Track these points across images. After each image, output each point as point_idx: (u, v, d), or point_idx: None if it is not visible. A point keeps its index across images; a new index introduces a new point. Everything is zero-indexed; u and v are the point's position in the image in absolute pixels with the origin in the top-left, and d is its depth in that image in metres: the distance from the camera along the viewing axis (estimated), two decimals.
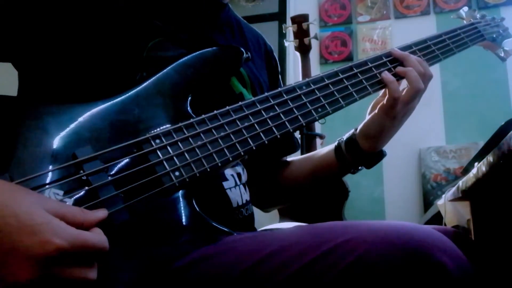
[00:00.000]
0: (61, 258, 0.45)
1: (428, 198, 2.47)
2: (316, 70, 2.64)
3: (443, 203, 1.26)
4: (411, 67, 0.85)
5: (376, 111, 0.86)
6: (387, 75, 0.84)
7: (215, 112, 0.68)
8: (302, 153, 2.13)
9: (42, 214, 0.46)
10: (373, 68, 0.85)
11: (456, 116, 2.58)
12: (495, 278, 0.86)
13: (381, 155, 0.90)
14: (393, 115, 0.84)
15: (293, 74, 2.83)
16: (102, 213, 0.53)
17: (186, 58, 0.73)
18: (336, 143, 0.93)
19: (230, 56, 0.77)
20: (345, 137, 0.92)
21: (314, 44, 2.28)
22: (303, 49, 2.16)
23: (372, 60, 0.86)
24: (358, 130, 0.89)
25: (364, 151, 0.88)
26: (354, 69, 0.83)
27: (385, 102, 0.84)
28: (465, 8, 1.16)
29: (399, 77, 0.85)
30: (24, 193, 0.48)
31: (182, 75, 0.71)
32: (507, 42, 1.16)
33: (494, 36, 1.12)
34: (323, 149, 0.96)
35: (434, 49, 0.94)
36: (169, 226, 0.62)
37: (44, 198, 0.50)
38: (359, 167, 0.92)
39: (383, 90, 0.86)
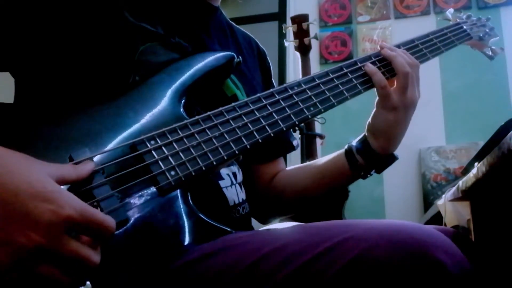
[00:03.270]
0: (70, 227, 0.46)
1: (428, 198, 2.47)
2: (316, 70, 2.63)
3: (443, 203, 1.26)
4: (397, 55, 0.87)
5: (374, 108, 0.87)
6: (369, 67, 0.86)
7: (209, 113, 0.69)
8: (302, 153, 2.13)
9: (52, 182, 0.48)
10: (362, 68, 0.86)
11: (456, 116, 2.58)
12: (495, 278, 0.85)
13: (392, 158, 0.89)
14: (391, 106, 0.84)
15: (293, 74, 2.83)
16: (89, 165, 0.55)
17: (178, 62, 0.75)
18: (346, 147, 0.91)
19: (222, 60, 0.79)
20: (355, 140, 0.91)
21: (314, 44, 2.28)
22: (303, 49, 2.16)
23: (361, 60, 0.88)
24: (366, 130, 0.89)
25: (375, 152, 0.87)
26: (344, 69, 0.85)
27: (377, 96, 0.85)
28: (451, 10, 1.20)
29: (389, 75, 0.87)
30: (30, 161, 0.50)
31: (175, 79, 0.72)
32: (494, 41, 1.19)
33: (481, 35, 1.15)
34: (328, 156, 0.94)
35: (421, 48, 0.96)
36: (167, 225, 0.62)
37: (44, 164, 0.51)
38: (370, 171, 0.90)
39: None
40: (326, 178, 0.93)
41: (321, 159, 0.96)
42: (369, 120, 0.88)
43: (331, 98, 0.80)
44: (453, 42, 1.04)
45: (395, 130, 0.86)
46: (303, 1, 3.00)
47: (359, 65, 0.87)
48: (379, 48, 0.91)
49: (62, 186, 0.50)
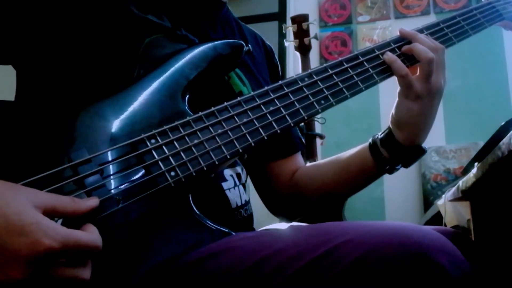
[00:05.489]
0: (52, 258, 0.45)
1: (428, 198, 2.47)
2: None
3: (443, 203, 1.26)
4: (418, 42, 0.81)
5: (397, 98, 0.82)
6: (388, 55, 0.80)
7: (212, 109, 0.66)
8: (302, 153, 2.13)
9: (31, 213, 0.45)
10: (380, 56, 0.80)
11: (456, 116, 2.57)
12: (494, 278, 0.85)
13: (420, 151, 0.83)
14: (414, 95, 0.78)
15: (293, 74, 2.82)
16: (93, 202, 0.53)
17: (183, 53, 0.72)
18: (370, 141, 0.85)
19: (227, 49, 0.75)
20: (380, 133, 0.85)
21: (314, 44, 2.27)
22: (303, 49, 2.16)
23: (379, 47, 0.82)
24: (390, 122, 0.84)
25: (401, 144, 0.81)
26: (360, 57, 0.79)
27: (399, 86, 0.80)
28: None
29: (409, 63, 0.81)
30: (13, 191, 0.47)
31: (179, 71, 0.70)
32: None
33: None
34: (352, 150, 0.89)
35: (447, 32, 0.88)
36: (166, 227, 0.61)
37: (33, 192, 0.49)
38: (396, 166, 0.84)
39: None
40: (350, 173, 0.88)
41: (345, 154, 0.90)
42: (392, 111, 0.82)
43: (344, 90, 0.75)
44: (482, 24, 0.94)
45: (421, 120, 0.80)
46: (303, 1, 3.00)
47: (377, 52, 0.80)
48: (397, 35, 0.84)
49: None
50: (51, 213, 0.48)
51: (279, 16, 3.30)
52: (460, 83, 2.60)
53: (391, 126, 0.83)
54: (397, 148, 0.82)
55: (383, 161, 0.83)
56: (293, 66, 2.82)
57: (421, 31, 0.86)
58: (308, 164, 0.99)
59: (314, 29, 2.29)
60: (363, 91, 0.78)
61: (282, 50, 2.97)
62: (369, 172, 0.86)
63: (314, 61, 2.69)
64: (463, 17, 0.92)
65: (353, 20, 2.91)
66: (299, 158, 0.99)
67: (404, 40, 0.84)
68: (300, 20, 2.17)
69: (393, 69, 0.79)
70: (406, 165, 0.84)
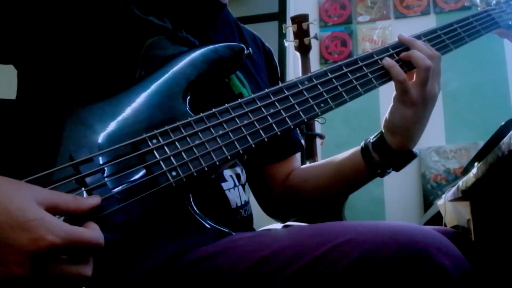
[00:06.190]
0: (54, 254, 0.45)
1: (428, 198, 2.47)
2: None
3: (443, 203, 1.26)
4: (416, 49, 0.83)
5: (392, 103, 0.83)
6: (387, 61, 0.81)
7: (214, 110, 0.67)
8: (302, 153, 2.13)
9: (34, 209, 0.46)
10: (379, 61, 0.82)
11: (456, 116, 2.58)
12: (494, 278, 0.86)
13: (411, 155, 0.84)
14: (410, 101, 0.80)
15: (293, 74, 2.83)
16: (94, 200, 0.53)
17: (184, 55, 0.72)
18: (362, 144, 0.87)
19: (228, 52, 0.76)
20: (372, 137, 0.87)
21: (314, 44, 2.27)
22: (303, 49, 2.16)
23: (378, 52, 0.84)
24: (383, 126, 0.85)
25: (392, 148, 0.83)
26: (359, 62, 0.81)
27: (395, 91, 0.82)
28: None
29: (407, 68, 0.83)
30: (15, 187, 0.47)
31: (180, 73, 0.70)
32: None
33: (510, 23, 1.07)
34: (345, 153, 0.91)
35: (444, 39, 0.90)
36: (166, 227, 0.61)
37: (36, 189, 0.49)
38: (388, 170, 0.86)
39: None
40: (343, 175, 0.90)
41: (338, 156, 0.92)
42: (386, 116, 0.84)
43: (343, 93, 0.77)
44: (478, 31, 0.97)
45: (414, 126, 0.82)
46: (303, 1, 3.00)
47: (376, 58, 0.82)
48: (396, 41, 0.86)
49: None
50: (53, 210, 0.48)
51: (279, 16, 3.30)
52: (460, 83, 2.60)
53: (383, 130, 0.85)
54: (388, 153, 0.84)
55: (375, 165, 0.85)
56: (293, 66, 2.82)
57: (418, 37, 0.88)
58: (303, 166, 1.00)
59: (314, 29, 2.29)
60: (362, 95, 0.79)
61: (282, 50, 2.98)
62: (361, 175, 0.87)
63: (314, 61, 2.69)
64: (460, 24, 0.95)
65: (353, 20, 2.91)
66: (295, 159, 1.00)
67: (402, 46, 0.86)
68: (300, 20, 2.17)
69: (392, 74, 0.81)
70: (397, 169, 0.86)
